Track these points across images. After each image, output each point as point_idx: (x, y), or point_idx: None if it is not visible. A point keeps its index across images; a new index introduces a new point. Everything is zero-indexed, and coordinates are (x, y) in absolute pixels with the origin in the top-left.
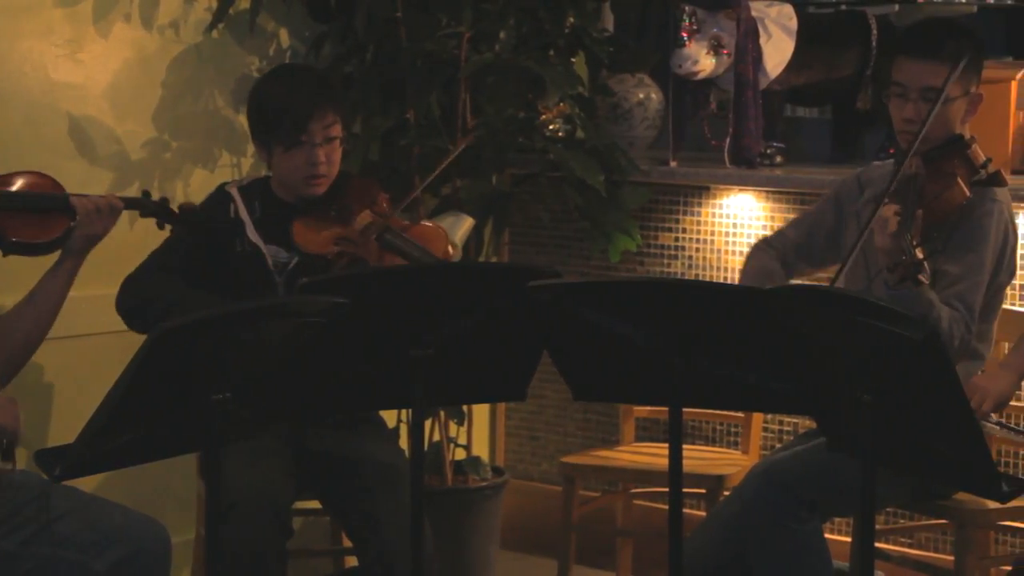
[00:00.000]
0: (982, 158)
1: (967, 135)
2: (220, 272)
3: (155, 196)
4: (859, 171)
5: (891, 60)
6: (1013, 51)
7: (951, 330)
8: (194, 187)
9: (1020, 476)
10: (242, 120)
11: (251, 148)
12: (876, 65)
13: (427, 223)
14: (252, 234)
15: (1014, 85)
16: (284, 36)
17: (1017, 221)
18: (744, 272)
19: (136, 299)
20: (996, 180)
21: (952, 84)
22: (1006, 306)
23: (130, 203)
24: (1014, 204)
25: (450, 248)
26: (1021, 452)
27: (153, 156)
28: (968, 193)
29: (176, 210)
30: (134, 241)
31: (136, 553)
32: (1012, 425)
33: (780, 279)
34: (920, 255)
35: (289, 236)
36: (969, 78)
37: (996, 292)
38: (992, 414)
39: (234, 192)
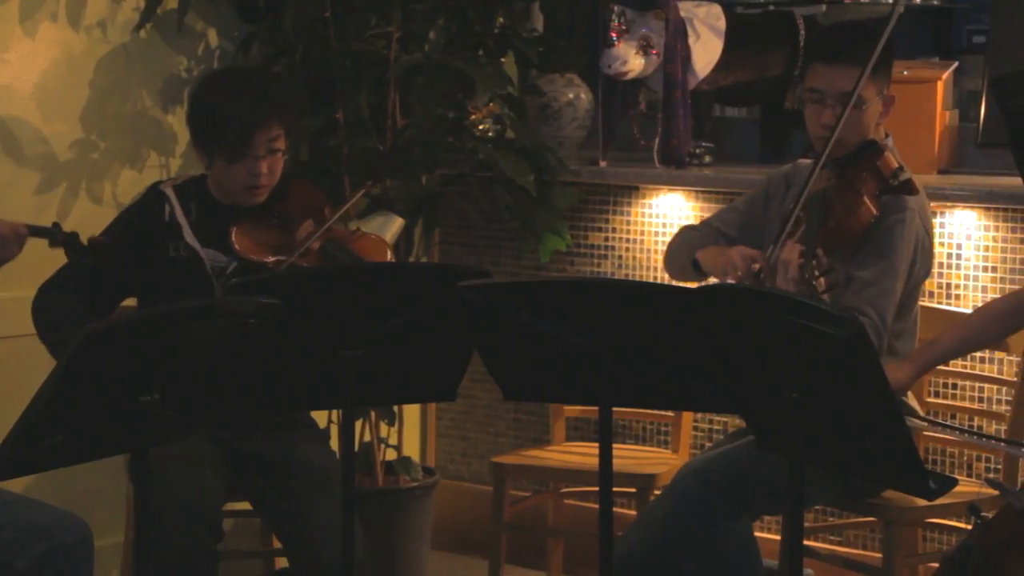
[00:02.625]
0: (894, 165)
1: (882, 137)
2: (152, 276)
3: (84, 197)
4: (787, 168)
5: (805, 66)
6: (939, 51)
7: None
8: (122, 187)
9: (947, 474)
10: (171, 120)
11: (179, 148)
12: (804, 65)
13: (369, 234)
14: (190, 238)
15: (940, 85)
16: (213, 36)
17: (943, 219)
18: (669, 248)
19: (45, 319)
20: (907, 189)
21: (866, 87)
22: (933, 305)
23: (37, 231)
24: (940, 203)
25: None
26: (948, 449)
27: (81, 156)
28: (875, 211)
29: (86, 243)
30: None
31: (58, 549)
32: (939, 420)
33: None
34: (822, 286)
35: (228, 240)
36: (882, 80)
37: (912, 291)
38: (918, 410)
39: (169, 192)
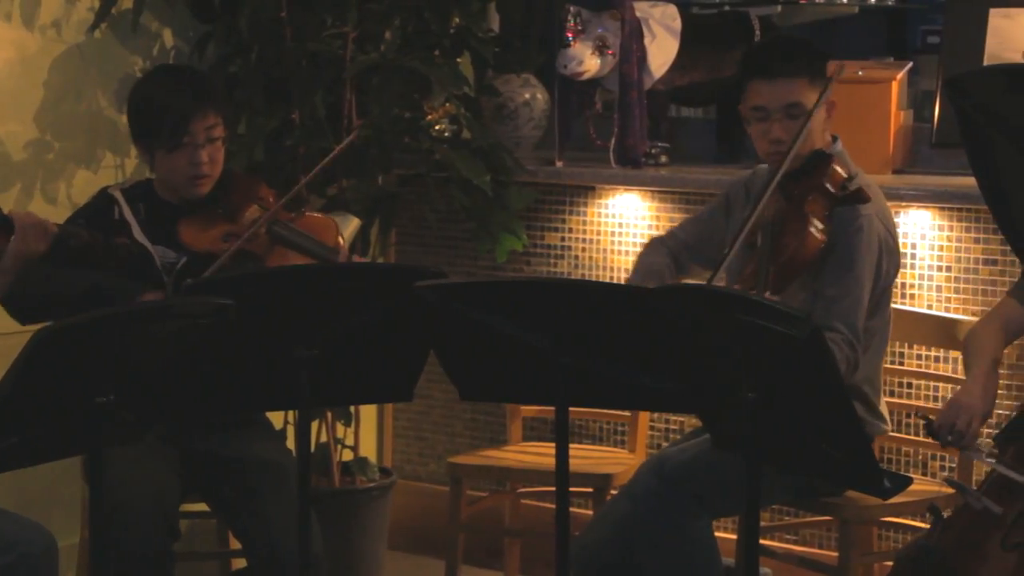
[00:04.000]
0: (843, 175)
1: (829, 143)
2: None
3: (38, 197)
4: (747, 174)
5: (743, 88)
6: (894, 51)
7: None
8: (77, 188)
9: (903, 473)
10: (126, 121)
11: (135, 149)
12: (741, 85)
13: (315, 214)
14: (139, 235)
15: (895, 85)
16: (168, 36)
17: (897, 219)
18: (635, 268)
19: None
20: (858, 198)
21: (809, 96)
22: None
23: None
24: (894, 203)
25: (340, 239)
26: (903, 448)
27: (35, 157)
28: (823, 239)
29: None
30: None
31: (22, 559)
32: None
33: (670, 277)
34: None
35: (175, 236)
36: (821, 86)
37: (883, 292)
38: (987, 448)
39: (117, 195)
